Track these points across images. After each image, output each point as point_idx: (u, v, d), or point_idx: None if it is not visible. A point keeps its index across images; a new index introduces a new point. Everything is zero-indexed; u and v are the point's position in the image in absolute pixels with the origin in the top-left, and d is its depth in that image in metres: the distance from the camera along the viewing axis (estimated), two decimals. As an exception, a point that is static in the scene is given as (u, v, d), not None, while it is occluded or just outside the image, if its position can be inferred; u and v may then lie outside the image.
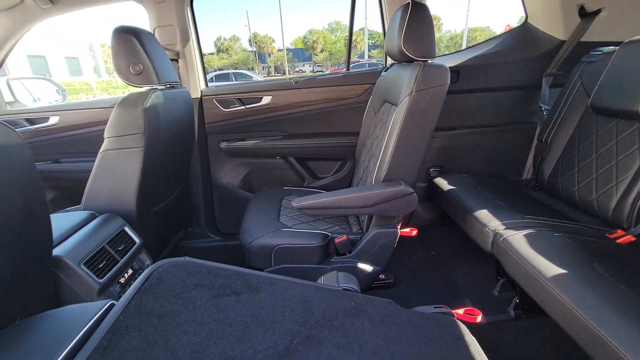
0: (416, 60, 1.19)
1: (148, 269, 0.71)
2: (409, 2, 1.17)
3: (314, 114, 1.82)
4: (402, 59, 1.25)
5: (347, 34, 1.94)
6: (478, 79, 1.69)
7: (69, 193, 1.90)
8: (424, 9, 1.18)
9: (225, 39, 39.57)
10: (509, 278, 1.13)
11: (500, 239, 1.06)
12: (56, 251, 0.92)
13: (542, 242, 1.00)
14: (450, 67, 1.19)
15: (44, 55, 17.98)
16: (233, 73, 14.24)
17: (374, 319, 0.74)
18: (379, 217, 1.26)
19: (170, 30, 1.61)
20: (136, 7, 1.60)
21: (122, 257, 1.09)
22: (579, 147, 1.34)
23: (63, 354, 0.54)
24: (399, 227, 1.28)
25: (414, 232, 1.37)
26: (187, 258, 0.77)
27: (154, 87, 1.25)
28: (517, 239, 1.02)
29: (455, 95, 1.69)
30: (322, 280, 0.93)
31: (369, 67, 9.89)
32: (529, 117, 1.76)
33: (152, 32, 1.60)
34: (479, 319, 0.89)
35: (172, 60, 1.61)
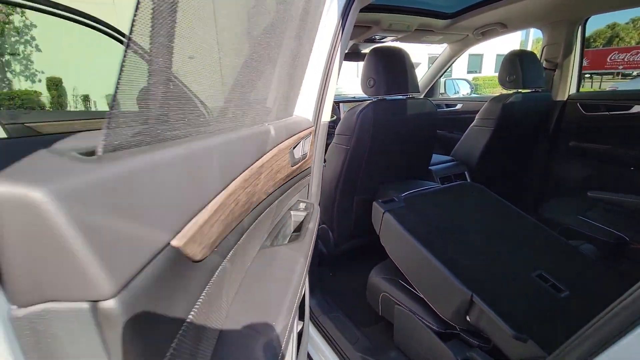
0: None
1: (460, 182, 1.43)
2: None
3: None
4: None
5: None
6: None
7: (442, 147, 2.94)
8: None
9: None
10: None
11: None
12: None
13: None
14: None
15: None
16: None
17: None
18: None
19: (556, 47, 2.01)
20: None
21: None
22: None
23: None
24: None
25: None
26: (483, 187, 1.40)
27: (517, 91, 1.83)
28: None
29: None
30: None
31: None
32: None
33: (542, 50, 2.08)
34: None
35: (547, 69, 2.03)
